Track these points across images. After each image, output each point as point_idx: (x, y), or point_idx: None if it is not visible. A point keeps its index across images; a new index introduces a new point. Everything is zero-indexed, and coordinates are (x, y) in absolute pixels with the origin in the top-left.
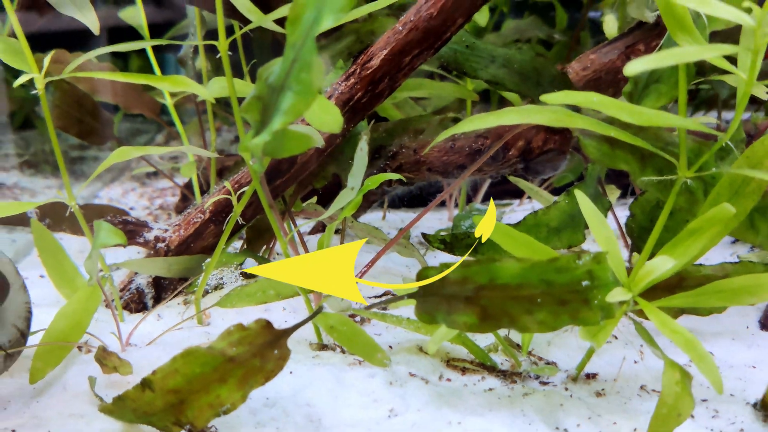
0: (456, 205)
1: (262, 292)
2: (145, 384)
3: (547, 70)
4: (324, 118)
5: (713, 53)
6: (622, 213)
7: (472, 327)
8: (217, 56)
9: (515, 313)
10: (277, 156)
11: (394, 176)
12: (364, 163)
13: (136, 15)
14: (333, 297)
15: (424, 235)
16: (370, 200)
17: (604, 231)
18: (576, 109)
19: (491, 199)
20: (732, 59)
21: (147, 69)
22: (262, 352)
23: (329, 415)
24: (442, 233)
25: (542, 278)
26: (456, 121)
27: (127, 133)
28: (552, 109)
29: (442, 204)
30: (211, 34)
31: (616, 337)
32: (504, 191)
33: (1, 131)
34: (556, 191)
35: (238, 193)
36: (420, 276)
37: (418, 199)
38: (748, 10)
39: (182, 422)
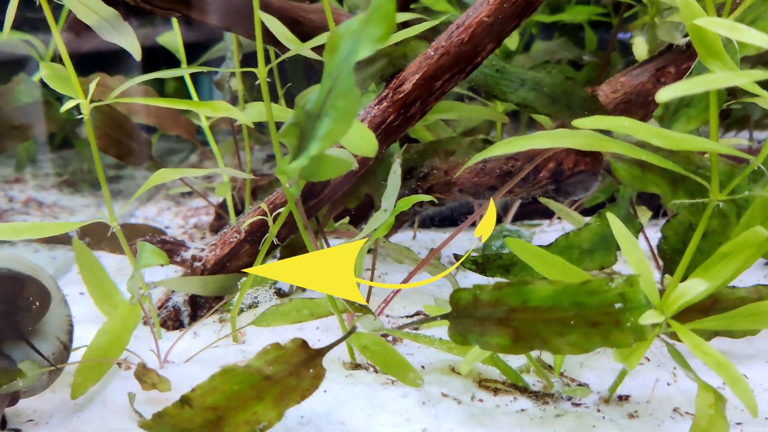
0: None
1: (296, 311)
2: (185, 401)
3: (577, 92)
4: (359, 143)
5: (744, 80)
6: (654, 234)
7: (505, 348)
8: (256, 82)
9: (547, 335)
10: (313, 179)
11: (426, 198)
12: (397, 186)
13: (173, 40)
14: (366, 317)
15: (455, 255)
16: (401, 220)
17: (636, 253)
18: (607, 132)
19: (522, 219)
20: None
21: (183, 91)
22: (297, 370)
23: None
24: (474, 254)
25: (574, 301)
26: (486, 142)
27: (162, 152)
28: (583, 133)
29: (473, 224)
30: (246, 57)
31: (649, 359)
32: (534, 211)
33: (41, 151)
34: (586, 212)
35: (274, 214)
36: (453, 298)
37: (449, 219)
38: None
39: None
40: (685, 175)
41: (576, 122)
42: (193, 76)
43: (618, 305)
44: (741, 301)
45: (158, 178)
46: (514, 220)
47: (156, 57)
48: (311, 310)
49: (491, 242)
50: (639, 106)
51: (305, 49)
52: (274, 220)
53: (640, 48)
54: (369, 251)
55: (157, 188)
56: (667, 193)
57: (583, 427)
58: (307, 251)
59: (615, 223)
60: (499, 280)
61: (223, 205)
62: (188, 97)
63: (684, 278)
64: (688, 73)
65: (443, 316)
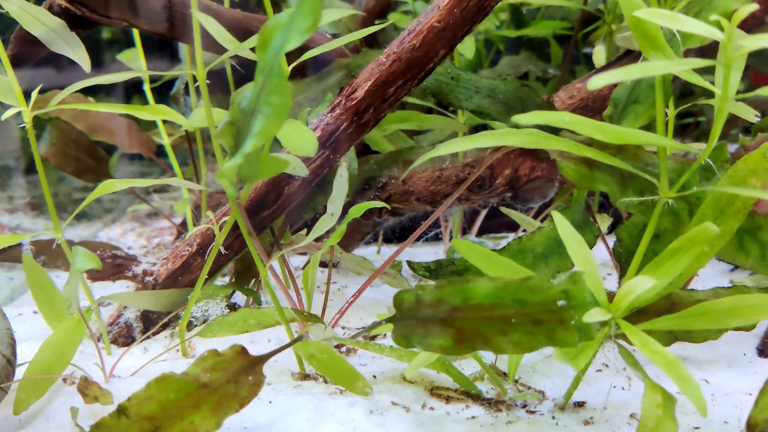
0: (450, 239)
1: (243, 321)
2: (121, 411)
3: (532, 99)
4: (300, 143)
5: (680, 67)
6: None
7: (448, 350)
8: (195, 84)
9: (489, 333)
10: (252, 180)
11: (378, 204)
12: (343, 189)
13: (134, 57)
14: (316, 326)
15: (409, 263)
16: (362, 232)
17: (581, 251)
18: (555, 132)
19: (487, 232)
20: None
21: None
22: (236, 377)
23: None
24: (427, 262)
25: (515, 298)
26: None
27: (129, 176)
28: (528, 132)
29: (439, 238)
30: (210, 74)
31: (607, 366)
32: (500, 224)
33: (10, 175)
34: None
35: (220, 222)
36: (396, 299)
37: (411, 231)
38: (718, 24)
39: None
40: (633, 173)
41: (515, 118)
42: (162, 98)
43: (561, 302)
44: (699, 304)
45: (104, 188)
46: (480, 233)
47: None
48: (258, 320)
49: (454, 254)
50: (595, 111)
51: (244, 50)
52: (221, 228)
53: (599, 56)
54: (325, 264)
55: (122, 210)
56: (615, 192)
57: None
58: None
59: (560, 221)
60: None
61: (184, 224)
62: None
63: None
64: None
65: (388, 320)
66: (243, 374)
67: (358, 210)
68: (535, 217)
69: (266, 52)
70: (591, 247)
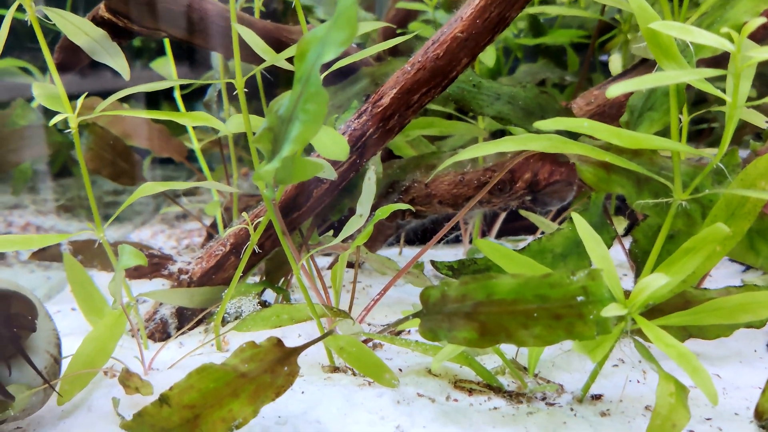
0: (470, 241)
1: (276, 316)
2: (163, 400)
3: (551, 105)
4: (331, 147)
5: (693, 76)
6: None
7: (472, 342)
8: (233, 93)
9: (512, 327)
10: (288, 182)
11: (403, 206)
12: (372, 191)
13: (166, 65)
14: (345, 321)
15: (432, 262)
16: (385, 234)
17: (599, 250)
18: (574, 137)
19: (506, 235)
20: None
21: None
22: (272, 368)
23: None
24: (449, 261)
25: (537, 293)
26: None
27: (159, 179)
28: (548, 137)
29: (459, 240)
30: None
31: (623, 361)
32: (519, 227)
33: (41, 178)
34: None
35: (255, 222)
36: (423, 295)
37: (433, 233)
38: (728, 36)
39: None
40: (649, 176)
41: (537, 124)
42: (190, 106)
43: (580, 298)
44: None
45: (144, 191)
46: (499, 235)
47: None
48: (291, 315)
49: (474, 255)
50: (612, 117)
51: (281, 60)
52: (255, 228)
53: (616, 64)
54: (351, 264)
55: (152, 213)
56: (632, 194)
57: (554, 424)
58: (289, 264)
59: (579, 222)
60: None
61: (214, 225)
62: (182, 125)
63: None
64: None
65: (414, 315)
66: (279, 365)
67: (383, 212)
68: (553, 220)
69: (304, 63)
70: (608, 248)
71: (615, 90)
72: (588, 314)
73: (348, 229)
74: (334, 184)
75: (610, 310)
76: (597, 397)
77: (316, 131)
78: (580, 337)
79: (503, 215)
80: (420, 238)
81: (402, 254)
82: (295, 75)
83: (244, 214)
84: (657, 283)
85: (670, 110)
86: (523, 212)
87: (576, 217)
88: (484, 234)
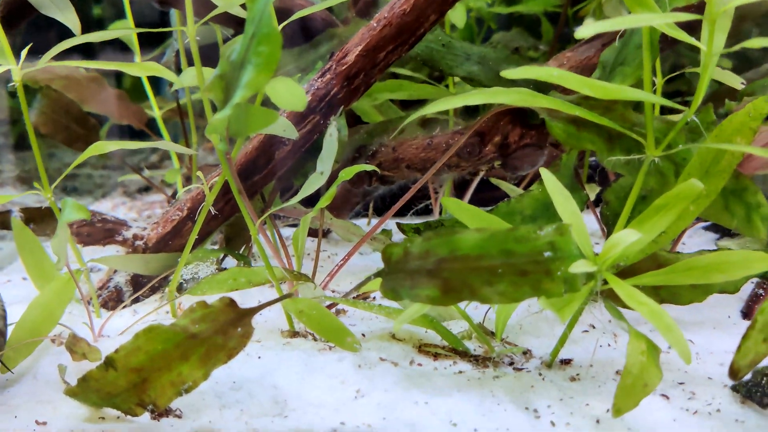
0: (440, 213)
1: (233, 279)
2: (108, 363)
3: (522, 66)
4: (288, 98)
5: (666, 19)
6: None
7: (435, 300)
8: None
9: (476, 284)
10: (243, 134)
11: (368, 167)
12: (333, 148)
13: (125, 25)
14: (306, 285)
15: (398, 224)
16: (352, 202)
17: (569, 206)
18: (544, 92)
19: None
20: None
21: (140, 87)
22: (225, 329)
23: (295, 397)
24: (416, 223)
25: (502, 248)
26: (434, 121)
27: (122, 152)
28: (517, 90)
29: (429, 210)
30: (204, 48)
31: (594, 327)
32: (491, 198)
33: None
34: None
35: (210, 182)
36: (385, 253)
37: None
38: None
39: (145, 402)
40: (621, 132)
41: (504, 73)
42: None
43: (548, 254)
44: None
45: (95, 149)
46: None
47: None
48: (248, 278)
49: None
50: None
51: (234, 6)
52: (212, 189)
53: (587, 28)
54: (315, 233)
55: (113, 185)
56: (602, 150)
57: (522, 387)
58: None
59: (548, 179)
60: None
61: (175, 196)
62: (144, 92)
63: None
64: (619, 34)
65: (376, 274)
66: (232, 326)
67: (348, 173)
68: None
69: (256, 3)
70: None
71: (585, 30)
72: (555, 270)
73: (307, 188)
74: (296, 145)
75: (579, 267)
76: (566, 362)
77: (269, 76)
78: (547, 295)
79: (474, 185)
80: (388, 207)
81: (371, 224)
82: (248, 16)
83: (199, 173)
84: (628, 239)
85: (644, 63)
86: (494, 180)
87: (545, 173)
88: None
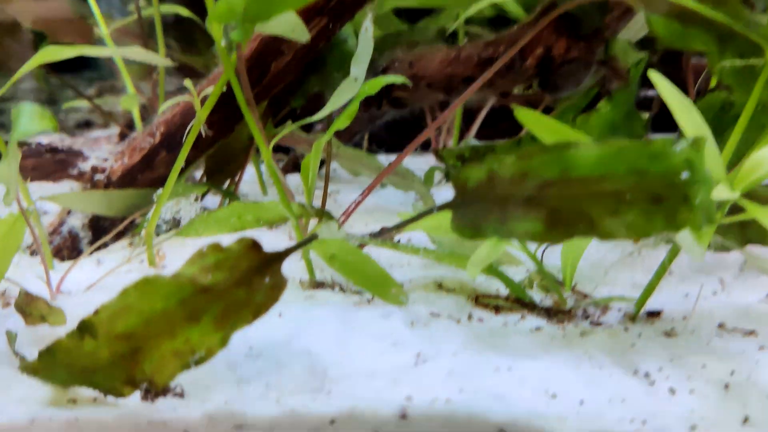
0: (444, 147)
1: (237, 217)
2: (85, 328)
3: None
4: None
5: None
6: None
7: (537, 236)
8: None
9: (596, 214)
10: (265, 17)
11: (398, 79)
12: (369, 47)
13: None
14: (328, 224)
15: (435, 149)
16: (351, 131)
17: (692, 117)
18: None
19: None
20: None
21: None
22: (248, 279)
23: (336, 365)
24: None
25: (632, 167)
26: (454, 36)
27: (57, 87)
28: None
29: (426, 147)
30: None
31: (671, 272)
32: (499, 132)
33: None
34: None
35: (201, 95)
36: (459, 178)
37: (398, 143)
38: None
39: (137, 379)
40: (735, 32)
41: None
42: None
43: (685, 174)
44: None
45: (44, 56)
46: (479, 138)
47: None
48: (256, 215)
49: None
50: None
51: None
52: (202, 103)
53: None
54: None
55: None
56: (713, 53)
57: (621, 347)
58: (239, 163)
59: (659, 81)
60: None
61: (130, 126)
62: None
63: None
64: None
65: (443, 207)
66: (257, 275)
67: (371, 86)
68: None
69: None
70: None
71: None
72: (694, 196)
73: (338, 98)
74: (297, 56)
75: (721, 192)
76: (654, 315)
77: None
78: (681, 227)
79: (482, 115)
80: (387, 145)
81: None
82: None
83: (188, 82)
84: None
85: None
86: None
87: (656, 77)
88: (462, 136)
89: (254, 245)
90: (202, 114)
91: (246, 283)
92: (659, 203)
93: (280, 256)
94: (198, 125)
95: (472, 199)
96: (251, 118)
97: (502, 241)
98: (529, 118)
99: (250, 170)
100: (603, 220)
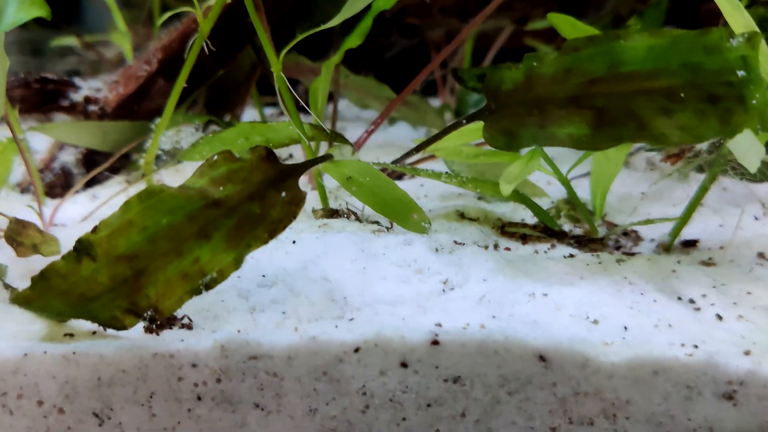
0: (452, 92)
1: (245, 138)
2: (82, 249)
3: None
4: None
5: None
6: None
7: (581, 141)
8: None
9: (647, 114)
10: None
11: None
12: None
13: None
14: (342, 147)
15: (454, 71)
16: (358, 63)
17: (743, 15)
18: None
19: None
20: None
21: None
22: (263, 192)
23: (357, 293)
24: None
25: (686, 61)
26: None
27: (43, 39)
28: None
29: (430, 91)
30: None
31: (702, 204)
32: None
33: None
34: None
35: (205, 7)
36: (492, 81)
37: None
38: None
39: (140, 307)
40: None
41: None
42: None
43: (741, 73)
44: None
45: None
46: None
47: None
48: (265, 136)
49: (465, 97)
50: None
51: None
52: (206, 16)
53: None
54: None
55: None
56: None
57: (662, 273)
58: (240, 94)
59: None
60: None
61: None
62: None
63: None
64: None
65: (472, 116)
66: (273, 188)
67: (386, 1)
68: None
69: None
70: None
71: None
72: (751, 97)
73: (352, 6)
74: None
75: None
76: (690, 244)
77: None
78: (736, 130)
79: (491, 56)
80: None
81: None
82: None
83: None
84: None
85: None
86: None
87: None
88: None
89: (269, 155)
90: (204, 26)
91: (261, 197)
92: (714, 103)
93: (298, 169)
94: (201, 39)
95: (506, 104)
96: (261, 28)
97: (536, 156)
98: (563, 23)
99: (251, 113)
100: (654, 121)
